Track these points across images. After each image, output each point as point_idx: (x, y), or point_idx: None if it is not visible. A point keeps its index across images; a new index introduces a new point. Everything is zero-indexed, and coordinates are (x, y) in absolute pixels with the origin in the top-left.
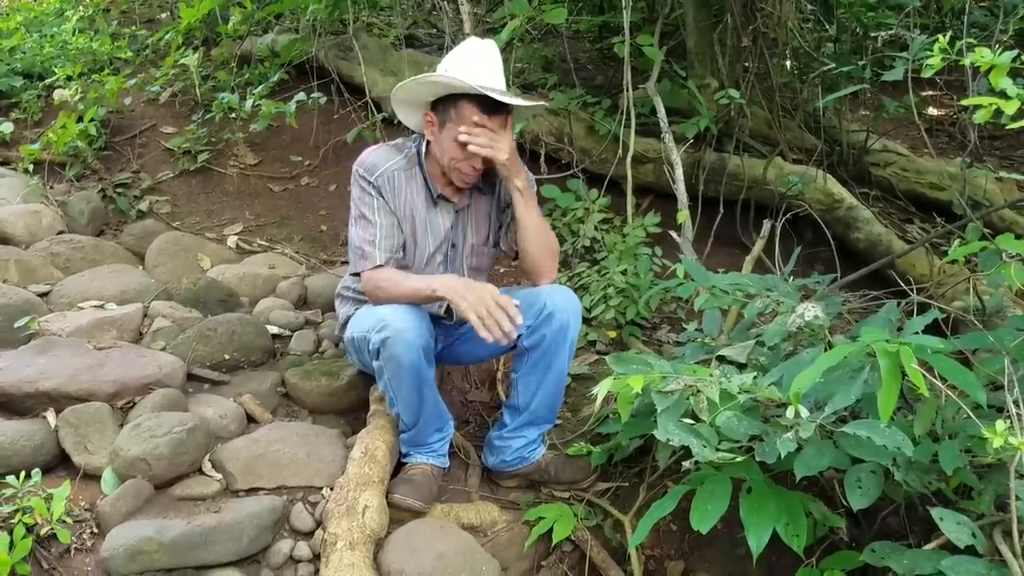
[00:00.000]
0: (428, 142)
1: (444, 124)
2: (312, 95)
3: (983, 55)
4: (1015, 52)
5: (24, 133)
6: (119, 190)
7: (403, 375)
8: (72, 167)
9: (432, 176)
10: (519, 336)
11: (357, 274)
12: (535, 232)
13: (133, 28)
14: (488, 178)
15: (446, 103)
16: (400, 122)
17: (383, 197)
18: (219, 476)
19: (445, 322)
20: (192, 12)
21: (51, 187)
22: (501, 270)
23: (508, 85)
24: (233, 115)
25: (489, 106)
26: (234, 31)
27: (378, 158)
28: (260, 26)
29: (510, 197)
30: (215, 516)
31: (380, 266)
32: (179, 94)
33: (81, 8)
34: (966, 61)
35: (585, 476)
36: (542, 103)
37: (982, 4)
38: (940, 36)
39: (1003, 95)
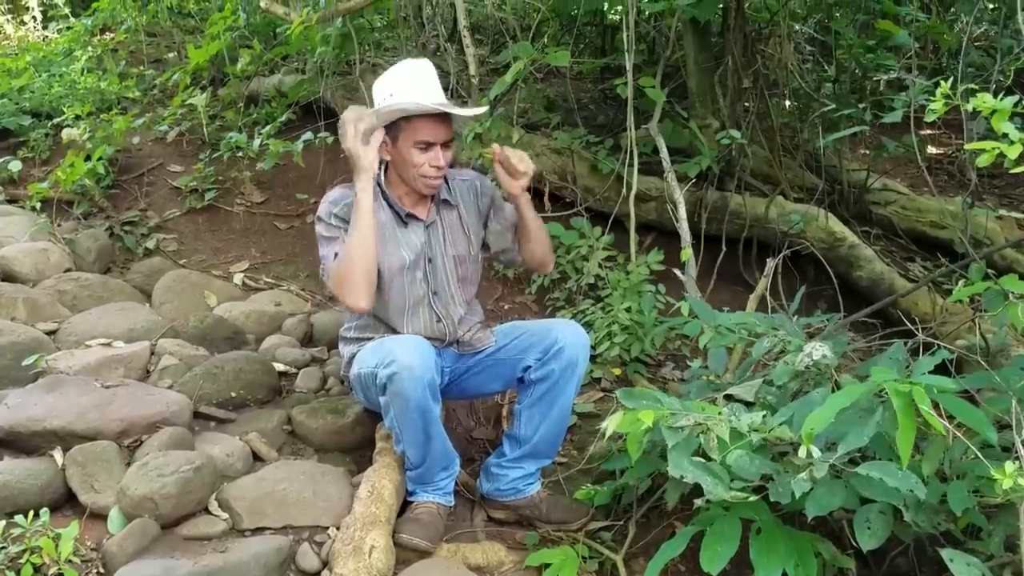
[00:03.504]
0: (385, 171)
1: (397, 138)
2: (319, 134)
3: (985, 100)
4: (1016, 97)
5: (32, 171)
6: (126, 228)
7: (409, 412)
8: (80, 205)
9: (397, 199)
10: (527, 368)
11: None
12: (537, 230)
13: (141, 68)
14: (454, 191)
15: (396, 121)
16: None
17: (347, 223)
18: (225, 515)
19: (436, 345)
20: (200, 53)
21: (59, 225)
22: (505, 306)
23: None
24: (240, 154)
25: (436, 117)
26: (242, 72)
27: (340, 193)
28: (267, 67)
29: (502, 206)
30: (221, 556)
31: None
32: (187, 133)
33: (90, 48)
34: (968, 106)
35: (576, 518)
36: (482, 110)
37: (978, 45)
38: (942, 81)
39: (1005, 138)
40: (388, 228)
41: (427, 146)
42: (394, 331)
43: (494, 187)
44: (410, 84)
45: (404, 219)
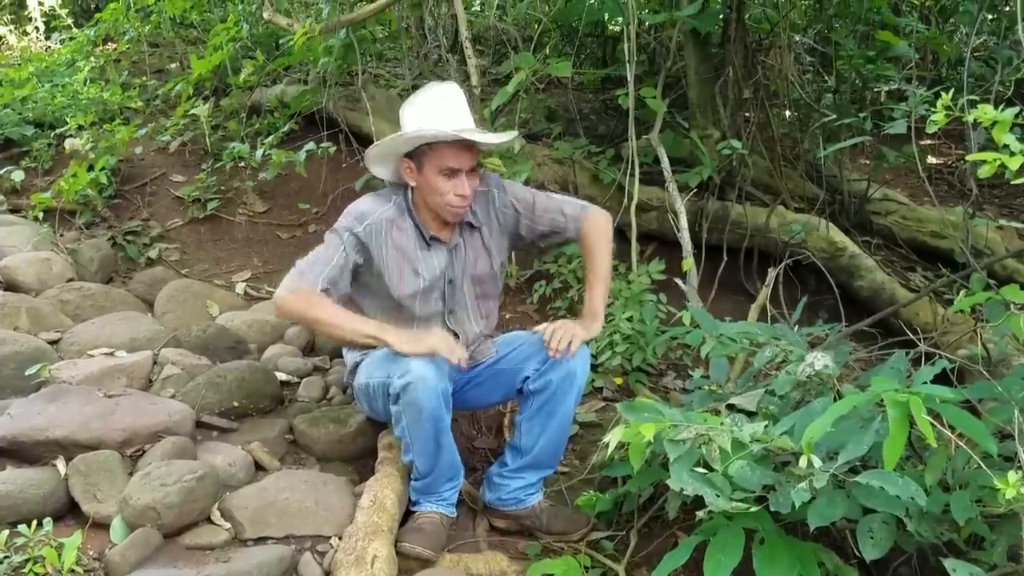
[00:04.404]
0: (413, 192)
1: (423, 164)
2: (321, 145)
3: (986, 111)
4: (1017, 108)
5: (35, 181)
6: (129, 238)
7: (423, 421)
8: (82, 215)
9: (423, 222)
10: (526, 379)
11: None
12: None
13: (144, 79)
14: (477, 213)
15: (420, 147)
16: None
17: (362, 244)
18: (228, 525)
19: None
20: (203, 64)
21: (61, 235)
22: (507, 315)
23: (475, 118)
24: (242, 164)
25: (460, 144)
26: (244, 82)
27: (369, 206)
28: (270, 77)
29: (532, 213)
30: (224, 566)
31: (315, 290)
32: (189, 143)
33: (92, 59)
34: (969, 118)
35: (576, 529)
36: (509, 137)
37: (978, 55)
38: (943, 92)
39: (1005, 149)
40: (410, 250)
41: (452, 173)
42: None
43: (511, 198)
44: (435, 110)
45: (428, 242)
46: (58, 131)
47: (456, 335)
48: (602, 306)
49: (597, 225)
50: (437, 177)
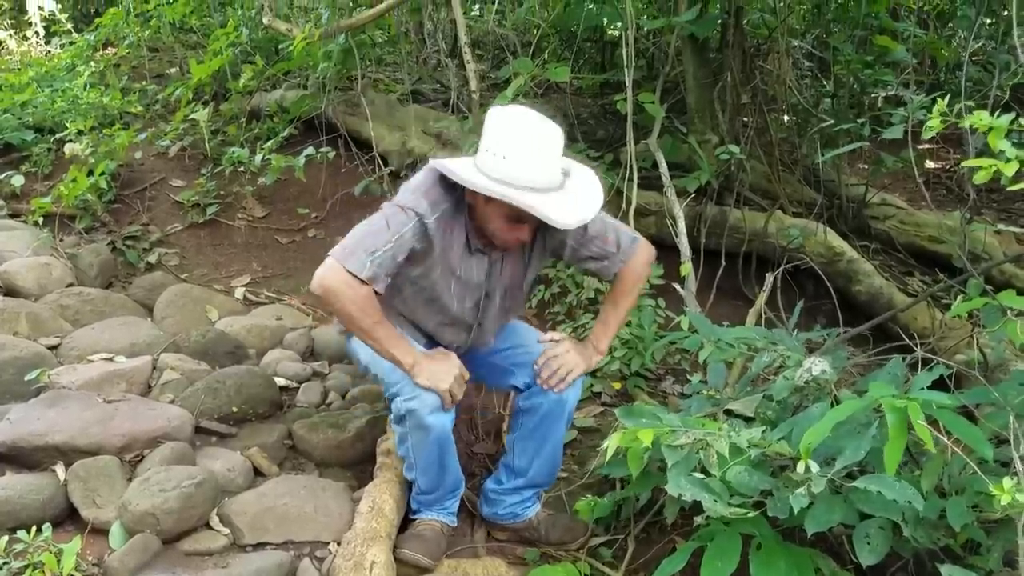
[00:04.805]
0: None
1: (489, 199)
2: (320, 149)
3: (982, 118)
4: (1013, 114)
5: (35, 186)
6: (128, 242)
7: (429, 444)
8: (82, 220)
9: (474, 231)
10: (516, 388)
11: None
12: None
13: (143, 83)
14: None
15: None
16: (406, 174)
17: (427, 234)
18: (226, 531)
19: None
20: (203, 68)
21: (61, 240)
22: None
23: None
24: (242, 169)
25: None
26: (244, 87)
27: (439, 194)
28: (269, 82)
29: (577, 242)
30: (223, 572)
31: (361, 280)
32: (189, 148)
33: (92, 63)
34: (965, 123)
35: (574, 538)
36: (593, 212)
37: (976, 60)
38: (939, 98)
39: (1002, 155)
40: (455, 252)
41: (515, 219)
42: (412, 324)
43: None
44: (525, 155)
45: (472, 251)
46: (58, 136)
47: (471, 342)
48: (608, 343)
49: (643, 262)
50: (499, 218)
